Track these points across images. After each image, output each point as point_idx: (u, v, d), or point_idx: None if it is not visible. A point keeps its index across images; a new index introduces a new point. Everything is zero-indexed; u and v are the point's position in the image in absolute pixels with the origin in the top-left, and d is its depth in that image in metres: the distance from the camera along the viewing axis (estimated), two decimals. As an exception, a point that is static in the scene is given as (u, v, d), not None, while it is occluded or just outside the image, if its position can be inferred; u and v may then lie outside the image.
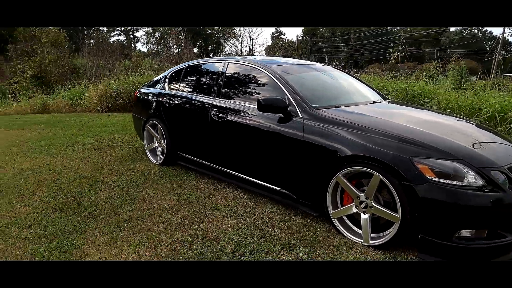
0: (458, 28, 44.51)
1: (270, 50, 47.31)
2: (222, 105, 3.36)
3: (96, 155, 4.68)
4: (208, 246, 2.42)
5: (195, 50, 41.14)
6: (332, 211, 2.61)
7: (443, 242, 2.15)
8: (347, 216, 2.59)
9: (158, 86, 4.35)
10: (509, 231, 2.19)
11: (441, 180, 2.13)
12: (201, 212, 2.95)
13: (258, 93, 3.21)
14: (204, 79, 3.81)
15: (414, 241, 2.24)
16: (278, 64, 3.37)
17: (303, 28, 45.23)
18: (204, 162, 3.64)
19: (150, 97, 4.32)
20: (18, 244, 2.44)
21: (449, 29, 43.36)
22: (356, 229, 2.54)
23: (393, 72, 10.32)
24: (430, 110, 3.33)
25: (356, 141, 2.44)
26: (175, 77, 4.15)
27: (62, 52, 14.74)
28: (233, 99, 3.34)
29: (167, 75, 4.30)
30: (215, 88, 3.53)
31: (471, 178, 2.13)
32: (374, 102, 3.31)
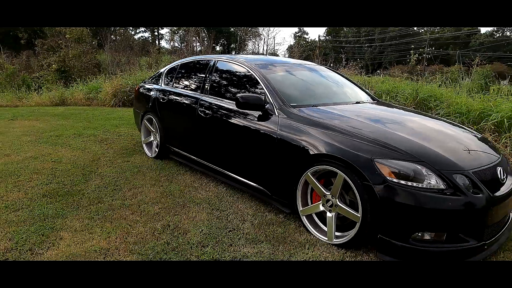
0: (488, 29, 42.78)
1: (292, 49, 47.16)
2: (208, 101, 3.45)
3: (98, 147, 4.88)
4: (176, 236, 2.51)
5: (217, 48, 41.50)
6: (301, 209, 2.64)
7: (399, 243, 2.15)
8: (317, 215, 2.62)
9: (156, 81, 4.49)
10: (472, 236, 2.17)
11: (401, 182, 2.13)
12: (180, 204, 3.05)
13: (241, 91, 3.27)
14: (194, 76, 3.91)
15: (374, 241, 2.25)
16: (264, 63, 3.42)
17: (327, 27, 44.76)
18: (192, 156, 3.75)
19: (147, 92, 4.47)
20: (2, 226, 2.61)
21: (479, 30, 41.74)
22: (324, 227, 2.56)
23: (413, 75, 10.12)
24: (414, 112, 3.29)
25: (322, 139, 2.47)
26: (170, 74, 4.28)
27: (85, 48, 15.27)
28: (219, 96, 3.42)
29: (164, 71, 4.44)
30: (203, 85, 3.63)
31: (431, 180, 2.12)
32: (357, 102, 3.31)
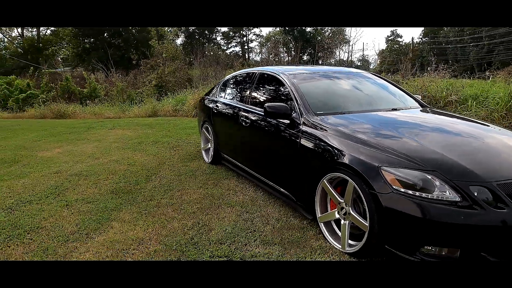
0: None
1: (383, 55, 44.72)
2: (247, 110, 3.69)
3: (167, 153, 5.51)
4: (201, 233, 2.78)
5: (304, 58, 41.73)
6: (319, 215, 2.68)
7: (406, 256, 2.05)
8: (336, 222, 2.62)
9: (214, 93, 4.92)
10: (493, 255, 1.96)
11: (408, 191, 2.04)
12: (215, 205, 3.33)
13: (276, 100, 3.43)
14: (240, 87, 4.21)
15: (381, 252, 2.18)
16: (300, 72, 3.53)
17: (423, 28, 41.35)
18: (236, 162, 4.02)
19: (206, 103, 4.92)
20: (74, 214, 3.22)
21: None
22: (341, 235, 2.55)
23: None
24: (458, 118, 3.02)
25: (335, 147, 2.48)
26: (224, 86, 4.65)
27: (179, 64, 17.03)
28: (256, 105, 3.63)
29: (220, 83, 4.84)
30: (246, 95, 3.89)
31: (442, 191, 1.99)
32: (394, 109, 3.17)
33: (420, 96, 3.75)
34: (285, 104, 3.03)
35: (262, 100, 3.66)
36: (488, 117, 6.73)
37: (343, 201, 2.45)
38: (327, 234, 2.60)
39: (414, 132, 2.55)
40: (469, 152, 2.27)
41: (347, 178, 2.34)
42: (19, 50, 33.56)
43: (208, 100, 4.89)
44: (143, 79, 18.77)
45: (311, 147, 2.71)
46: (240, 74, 4.37)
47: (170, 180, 4.14)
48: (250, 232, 2.78)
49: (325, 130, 2.67)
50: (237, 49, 45.70)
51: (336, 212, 2.53)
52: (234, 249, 2.52)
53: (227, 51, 40.80)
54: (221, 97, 4.58)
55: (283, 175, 3.12)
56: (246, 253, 2.46)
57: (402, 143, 2.34)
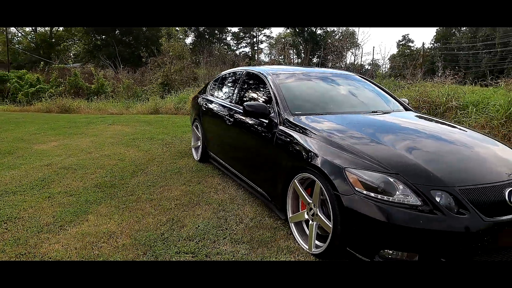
0: None
1: (395, 59, 44.28)
2: (232, 108, 3.70)
3: (159, 150, 5.55)
4: (173, 229, 2.79)
5: (314, 60, 41.60)
6: (290, 215, 2.67)
7: (365, 259, 2.03)
8: (307, 223, 2.61)
9: (204, 92, 4.94)
10: (453, 261, 1.92)
11: (370, 194, 2.02)
12: (194, 203, 3.34)
13: (259, 99, 3.43)
14: (227, 86, 4.22)
15: (344, 254, 2.16)
16: (285, 72, 3.52)
17: (435, 33, 40.90)
18: (220, 160, 4.03)
19: (198, 101, 4.93)
20: (54, 206, 3.26)
21: None
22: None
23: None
24: (438, 123, 2.98)
25: (305, 147, 2.47)
26: (214, 84, 4.66)
27: (185, 63, 17.13)
28: (240, 104, 3.63)
29: (210, 82, 4.85)
30: (231, 94, 3.90)
31: (404, 194, 1.96)
32: (374, 112, 3.14)
33: (407, 100, 3.70)
34: (263, 104, 3.03)
35: (245, 99, 3.66)
36: (487, 124, 6.62)
37: (312, 202, 2.43)
38: (297, 235, 2.59)
39: (385, 135, 2.52)
40: (436, 156, 2.24)
41: (315, 178, 2.33)
42: (32, 45, 34.16)
43: (200, 98, 4.91)
44: (150, 77, 18.94)
45: (284, 146, 2.70)
46: (229, 73, 4.38)
47: (156, 176, 4.16)
48: (222, 230, 2.78)
49: (298, 130, 2.66)
50: (247, 49, 45.79)
51: (306, 213, 2.52)
52: (202, 246, 2.52)
53: (237, 52, 40.92)
54: (211, 95, 4.60)
55: (260, 174, 3.11)
56: (213, 250, 2.46)
57: (370, 145, 2.32)
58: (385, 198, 1.98)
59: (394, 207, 1.95)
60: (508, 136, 6.18)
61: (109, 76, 19.55)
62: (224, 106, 3.90)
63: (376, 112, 3.15)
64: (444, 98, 7.80)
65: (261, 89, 3.44)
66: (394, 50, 47.14)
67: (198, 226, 2.83)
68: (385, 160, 2.12)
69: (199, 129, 4.69)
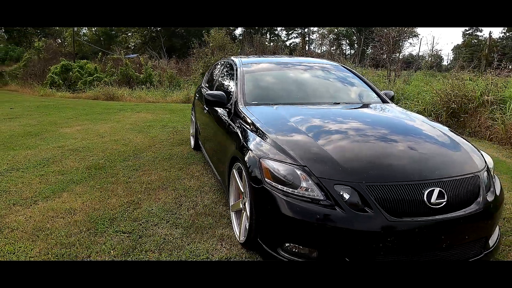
0: None
1: (460, 50, 40.74)
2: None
3: (165, 136, 5.79)
4: (126, 210, 2.95)
5: (368, 51, 39.75)
6: (231, 204, 2.68)
7: (270, 251, 2.00)
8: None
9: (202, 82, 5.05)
10: (357, 261, 1.83)
11: (278, 185, 1.98)
12: (163, 187, 3.48)
13: (229, 89, 3.45)
14: (214, 76, 4.27)
15: (256, 244, 2.14)
16: (259, 62, 3.50)
17: (508, 21, 36.70)
18: (202, 147, 4.12)
19: (198, 90, 5.07)
20: (41, 183, 3.59)
21: None
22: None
23: None
24: (403, 118, 2.77)
25: (241, 136, 2.46)
26: (207, 74, 4.75)
27: (226, 54, 17.43)
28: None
29: (207, 73, 4.95)
30: (214, 83, 3.95)
31: (306, 188, 1.90)
32: (336, 103, 2.99)
33: (392, 93, 3.47)
34: (222, 93, 3.05)
35: (222, 88, 3.70)
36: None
37: (243, 191, 2.43)
38: (234, 223, 2.61)
39: (316, 127, 2.41)
40: (355, 150, 2.10)
41: (243, 168, 2.32)
42: (95, 36, 36.97)
43: (198, 88, 5.04)
44: (195, 67, 19.57)
45: (231, 135, 2.71)
46: (218, 63, 4.43)
47: (145, 161, 4.37)
48: (170, 214, 2.88)
49: (242, 119, 2.65)
50: (297, 40, 45.09)
51: (241, 202, 2.52)
52: (142, 227, 2.65)
53: (287, 42, 40.53)
54: (204, 85, 4.69)
55: (219, 163, 3.15)
56: (148, 232, 2.58)
57: (292, 136, 2.25)
58: (290, 190, 1.93)
59: (296, 200, 1.89)
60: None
61: (159, 66, 20.53)
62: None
63: (339, 103, 3.01)
64: (479, 92, 7.09)
65: (231, 79, 3.45)
66: (460, 40, 43.44)
67: (152, 209, 2.96)
68: (299, 152, 2.05)
69: (193, 118, 4.83)
